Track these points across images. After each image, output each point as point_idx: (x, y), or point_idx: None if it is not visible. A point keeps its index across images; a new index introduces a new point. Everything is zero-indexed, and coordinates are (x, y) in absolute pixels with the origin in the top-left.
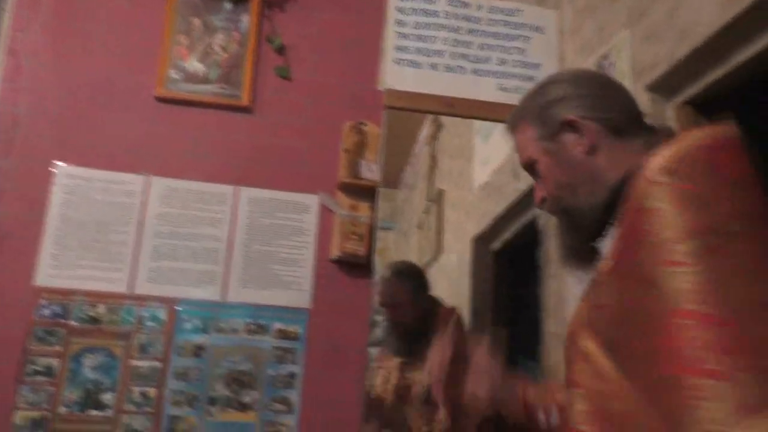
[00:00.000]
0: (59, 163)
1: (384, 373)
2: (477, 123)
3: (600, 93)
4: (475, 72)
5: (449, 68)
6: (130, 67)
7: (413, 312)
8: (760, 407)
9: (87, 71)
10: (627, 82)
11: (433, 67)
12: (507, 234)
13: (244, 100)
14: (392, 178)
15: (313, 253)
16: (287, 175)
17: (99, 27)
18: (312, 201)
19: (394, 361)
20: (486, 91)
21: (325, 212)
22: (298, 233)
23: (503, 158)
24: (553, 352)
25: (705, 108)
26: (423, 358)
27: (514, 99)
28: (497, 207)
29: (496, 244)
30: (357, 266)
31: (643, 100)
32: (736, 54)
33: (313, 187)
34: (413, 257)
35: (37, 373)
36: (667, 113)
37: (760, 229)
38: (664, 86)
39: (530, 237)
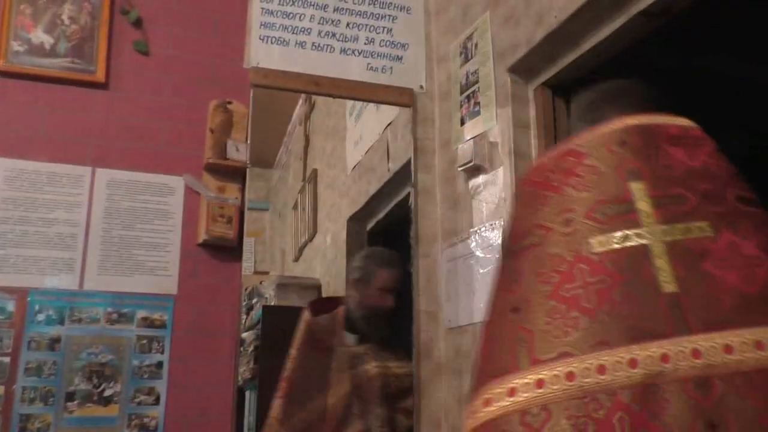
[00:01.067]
0: None
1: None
2: (349, 102)
3: None
4: (344, 51)
5: (317, 46)
6: None
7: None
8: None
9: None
10: (489, 64)
11: (301, 45)
12: (381, 213)
13: (99, 76)
14: (267, 158)
15: (179, 237)
16: (150, 156)
17: None
18: (177, 183)
19: (362, 347)
20: (354, 70)
21: (192, 195)
22: (163, 217)
23: (375, 138)
24: (424, 330)
25: (561, 90)
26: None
27: (382, 78)
28: (370, 187)
29: (371, 224)
30: (226, 249)
31: (505, 82)
32: (588, 38)
33: (178, 169)
34: (289, 237)
35: None
36: (528, 95)
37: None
38: (523, 68)
39: (402, 216)
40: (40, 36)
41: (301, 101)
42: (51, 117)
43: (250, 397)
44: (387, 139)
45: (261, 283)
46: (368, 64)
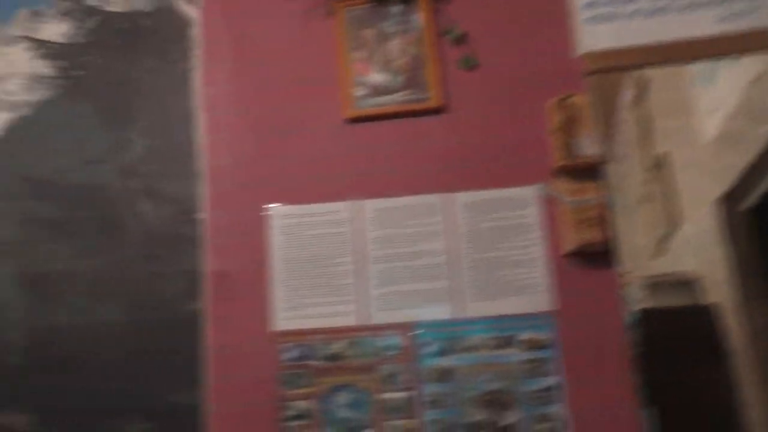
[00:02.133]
0: (270, 205)
1: None
2: (694, 69)
3: None
4: (685, 8)
5: (651, 12)
6: (314, 95)
7: None
8: None
9: (273, 108)
10: None
11: (631, 15)
12: (758, 189)
13: (434, 101)
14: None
15: (543, 250)
16: (496, 172)
17: (275, 64)
18: (530, 194)
19: None
20: (702, 26)
21: (548, 203)
22: (523, 231)
23: (735, 101)
24: None
25: None
26: None
27: (741, 25)
28: (738, 159)
29: (746, 203)
30: (596, 255)
31: None
32: None
33: (528, 179)
34: (642, 233)
35: (295, 417)
36: None
37: None
38: None
39: None
40: (376, 77)
41: (629, 85)
42: (398, 152)
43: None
44: (753, 99)
45: (624, 285)
46: (719, 15)
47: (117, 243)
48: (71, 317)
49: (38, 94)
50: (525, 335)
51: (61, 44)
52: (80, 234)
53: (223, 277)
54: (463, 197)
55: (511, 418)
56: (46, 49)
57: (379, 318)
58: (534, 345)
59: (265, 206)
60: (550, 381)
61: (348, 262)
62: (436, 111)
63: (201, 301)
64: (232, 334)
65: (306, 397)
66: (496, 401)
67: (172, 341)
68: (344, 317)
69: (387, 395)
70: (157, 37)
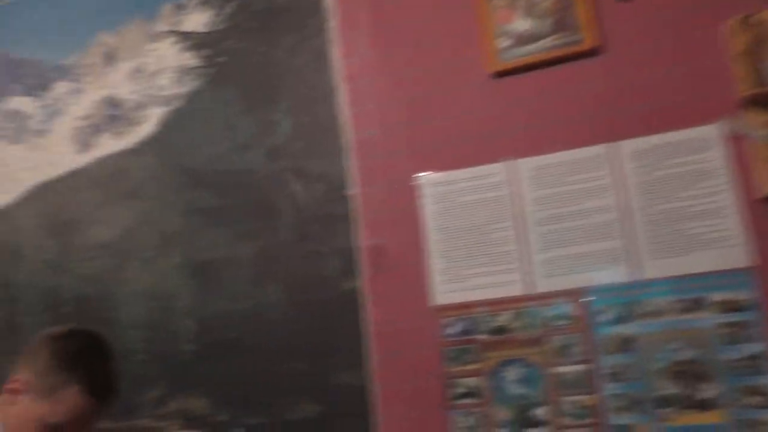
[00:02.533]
0: (421, 174)
1: None
2: None
3: None
4: None
5: None
6: (456, 52)
7: None
8: None
9: (416, 72)
10: None
11: None
12: None
13: (588, 43)
14: None
15: (733, 197)
16: (667, 113)
17: (413, 24)
18: (710, 133)
19: None
20: None
21: (734, 141)
22: (706, 177)
23: None
24: None
25: None
26: None
27: None
28: None
29: None
30: None
31: None
32: None
33: (706, 117)
34: None
35: (463, 395)
36: None
37: None
38: None
39: None
40: (520, 24)
41: None
42: (551, 103)
43: None
44: None
45: None
46: None
47: (271, 226)
48: (235, 302)
49: (187, 86)
50: (718, 296)
51: (203, 34)
52: (237, 220)
53: (379, 253)
54: (630, 145)
55: (710, 390)
56: (190, 40)
57: (546, 285)
58: (730, 307)
59: (415, 175)
60: (754, 348)
61: (508, 227)
62: (591, 53)
63: (359, 278)
64: (392, 310)
65: (473, 373)
66: (689, 372)
67: (333, 321)
68: (508, 287)
69: (560, 369)
70: (293, 14)
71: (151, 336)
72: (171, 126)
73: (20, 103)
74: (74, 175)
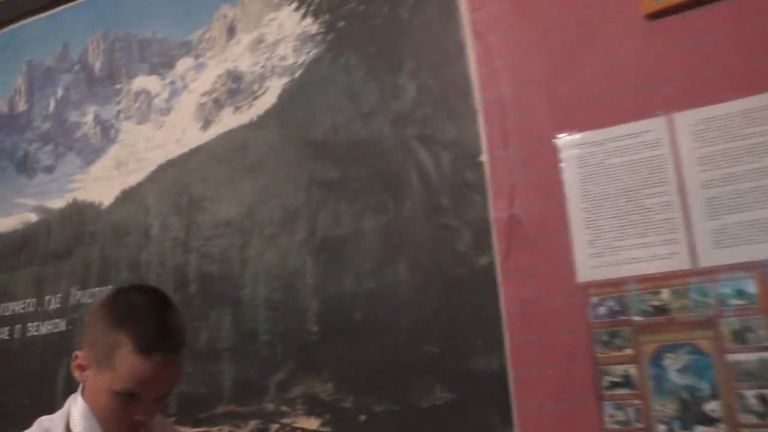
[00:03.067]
0: (561, 135)
1: None
2: None
3: None
4: None
5: None
6: None
7: None
8: None
9: (556, 20)
10: None
11: None
12: None
13: None
14: None
15: None
16: None
17: None
18: None
19: None
20: None
21: None
22: None
23: None
24: None
25: None
26: None
27: None
28: None
29: None
30: None
31: None
32: None
33: None
34: None
35: (614, 384)
36: None
37: None
38: None
39: None
40: None
41: None
42: (716, 45)
43: None
44: None
45: None
46: None
47: (398, 198)
48: (360, 281)
49: (307, 54)
50: None
51: None
52: (361, 193)
53: (516, 224)
54: None
55: None
56: (309, 6)
57: (715, 258)
58: None
59: (556, 137)
60: None
61: (666, 191)
62: None
63: (494, 253)
64: (531, 288)
65: (627, 360)
66: None
67: (467, 300)
68: (668, 260)
69: (738, 357)
70: None
71: (274, 316)
72: (291, 97)
73: (146, 82)
74: (198, 152)
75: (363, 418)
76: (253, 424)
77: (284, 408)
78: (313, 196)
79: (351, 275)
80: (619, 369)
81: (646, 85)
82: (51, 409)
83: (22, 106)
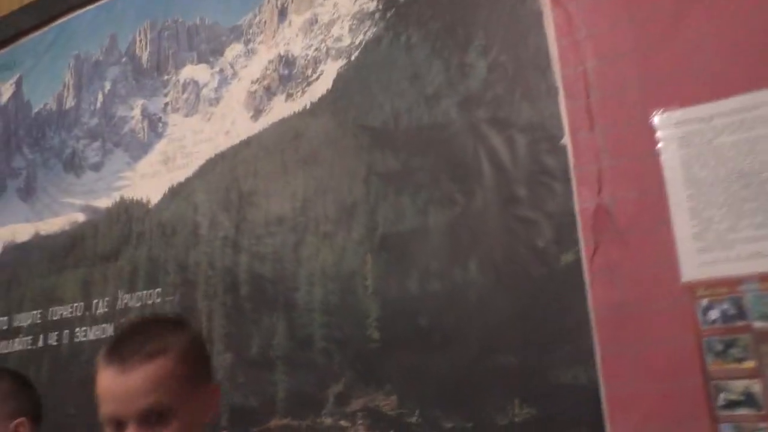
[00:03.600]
0: (659, 111)
1: None
2: None
3: None
4: None
5: None
6: None
7: None
8: None
9: None
10: None
11: None
12: None
13: None
14: None
15: None
16: None
17: None
18: None
19: None
20: None
21: None
22: None
23: None
24: None
25: None
26: None
27: None
28: None
29: None
30: None
31: None
32: None
33: None
34: None
35: (733, 404)
36: None
37: None
38: None
39: None
40: None
41: None
42: None
43: None
44: None
45: None
46: None
47: (469, 190)
48: (426, 282)
49: (365, 34)
50: None
51: None
52: (426, 184)
53: (605, 216)
54: None
55: None
56: None
57: None
58: None
59: (651, 114)
60: None
61: None
62: None
63: (579, 249)
64: (625, 290)
65: (748, 374)
66: None
67: (548, 304)
68: None
69: None
70: None
71: (331, 321)
72: (348, 81)
73: (194, 71)
74: (248, 144)
75: None
76: None
77: (343, 423)
78: (372, 189)
79: (415, 276)
80: (739, 385)
81: (762, 50)
82: (96, 420)
83: (70, 102)
